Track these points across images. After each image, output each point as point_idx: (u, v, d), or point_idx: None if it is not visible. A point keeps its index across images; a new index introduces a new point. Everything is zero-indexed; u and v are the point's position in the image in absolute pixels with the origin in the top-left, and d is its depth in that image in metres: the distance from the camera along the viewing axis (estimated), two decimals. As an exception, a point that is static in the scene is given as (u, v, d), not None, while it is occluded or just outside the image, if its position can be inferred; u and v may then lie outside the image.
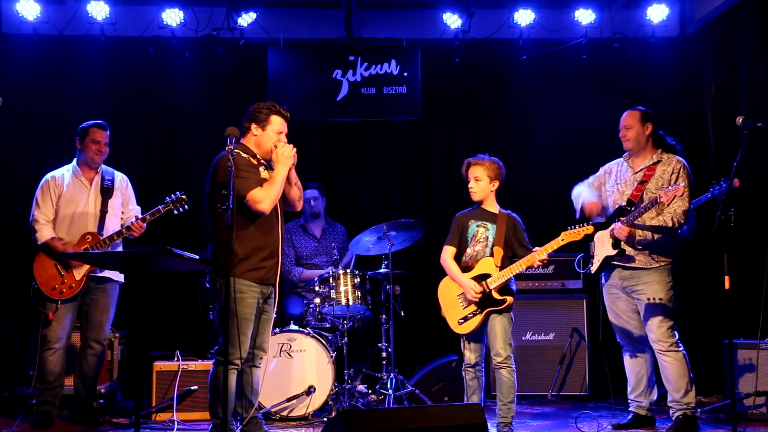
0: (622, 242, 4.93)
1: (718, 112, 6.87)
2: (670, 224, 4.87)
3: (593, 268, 5.14)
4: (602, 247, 5.05)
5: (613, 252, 4.96)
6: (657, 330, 4.95)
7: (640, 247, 4.97)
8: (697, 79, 7.17)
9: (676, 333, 4.98)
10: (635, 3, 7.16)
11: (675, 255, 5.06)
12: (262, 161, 4.57)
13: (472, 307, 4.91)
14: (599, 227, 5.03)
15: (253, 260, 4.43)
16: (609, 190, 5.22)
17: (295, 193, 4.66)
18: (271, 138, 4.54)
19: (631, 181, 5.09)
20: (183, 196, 5.37)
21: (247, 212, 4.40)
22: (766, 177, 6.23)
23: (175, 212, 5.40)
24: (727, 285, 4.34)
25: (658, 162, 5.05)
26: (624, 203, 5.01)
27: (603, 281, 5.25)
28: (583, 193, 5.24)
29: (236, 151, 4.40)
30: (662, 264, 4.99)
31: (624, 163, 5.21)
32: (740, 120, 4.61)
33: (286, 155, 4.45)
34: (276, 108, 4.58)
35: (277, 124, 4.56)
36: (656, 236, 4.94)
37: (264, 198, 4.37)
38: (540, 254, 4.78)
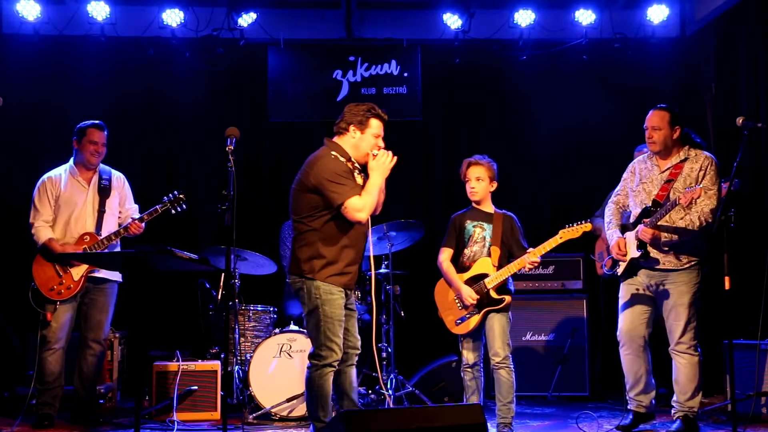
0: (647, 245, 4.83)
1: (718, 112, 6.87)
2: (698, 224, 4.74)
3: (620, 270, 5.03)
4: (628, 249, 4.94)
5: (637, 254, 4.86)
6: (679, 331, 4.86)
7: (666, 249, 4.84)
8: (697, 80, 7.17)
9: (696, 337, 4.89)
10: (635, 3, 7.16)
11: (704, 253, 4.93)
12: (356, 166, 4.45)
13: (470, 308, 4.92)
14: (627, 228, 4.99)
15: (338, 265, 4.32)
16: (634, 190, 5.05)
17: (380, 198, 4.51)
18: (369, 142, 4.38)
19: (658, 181, 4.94)
20: (181, 196, 5.35)
21: (339, 216, 4.29)
22: (766, 177, 6.22)
23: (173, 212, 5.37)
24: (727, 285, 4.32)
25: (686, 159, 4.90)
26: (650, 204, 4.89)
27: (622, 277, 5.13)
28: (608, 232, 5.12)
29: (334, 153, 4.34)
30: (692, 264, 4.88)
31: (649, 161, 5.05)
32: (740, 120, 4.58)
33: (385, 164, 4.34)
34: (375, 110, 4.40)
35: (375, 127, 4.39)
36: (683, 237, 4.80)
37: (362, 207, 4.23)
38: (530, 256, 4.77)
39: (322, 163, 4.30)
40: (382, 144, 4.41)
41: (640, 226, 4.84)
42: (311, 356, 4.31)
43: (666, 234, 4.81)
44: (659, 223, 4.78)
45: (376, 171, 4.32)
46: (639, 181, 5.06)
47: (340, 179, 4.25)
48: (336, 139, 4.44)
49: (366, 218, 4.28)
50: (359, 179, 4.41)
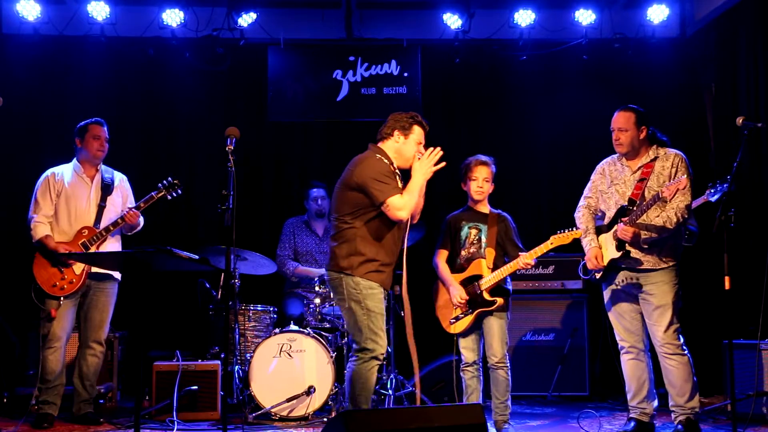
0: (627, 244, 4.76)
1: (718, 112, 6.87)
2: (675, 220, 4.68)
3: (598, 274, 4.96)
4: (606, 250, 4.88)
5: (618, 254, 4.80)
6: (662, 333, 4.77)
7: (646, 247, 4.78)
8: (697, 80, 7.17)
9: (681, 336, 4.82)
10: (635, 3, 7.16)
11: (680, 254, 4.89)
12: (397, 171, 4.53)
13: (463, 308, 4.99)
14: (601, 230, 4.95)
15: (375, 263, 4.38)
16: (606, 192, 5.00)
17: (419, 204, 4.60)
18: (411, 147, 4.51)
19: (631, 181, 4.89)
20: (175, 181, 5.43)
21: (380, 216, 4.38)
22: (766, 177, 6.22)
23: (169, 197, 5.44)
24: (727, 285, 4.31)
25: (656, 158, 4.86)
26: (625, 203, 4.84)
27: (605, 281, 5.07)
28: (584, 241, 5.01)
29: (378, 155, 4.45)
30: (670, 264, 4.82)
31: (618, 162, 5.00)
32: (740, 120, 4.57)
33: (427, 166, 4.43)
34: (418, 118, 4.56)
35: (417, 134, 4.53)
36: (662, 234, 4.74)
37: (404, 206, 4.33)
38: (524, 259, 4.84)
39: (367, 163, 4.43)
40: (423, 151, 4.50)
41: (619, 225, 4.78)
42: (357, 351, 4.35)
43: (645, 232, 4.76)
44: (638, 221, 4.73)
45: (419, 172, 4.44)
46: (610, 182, 5.00)
47: (384, 178, 4.37)
48: (379, 144, 4.56)
49: (406, 217, 4.39)
50: (399, 184, 4.49)
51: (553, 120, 7.31)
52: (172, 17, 6.86)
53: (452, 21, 6.98)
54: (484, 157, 5.07)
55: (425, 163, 4.43)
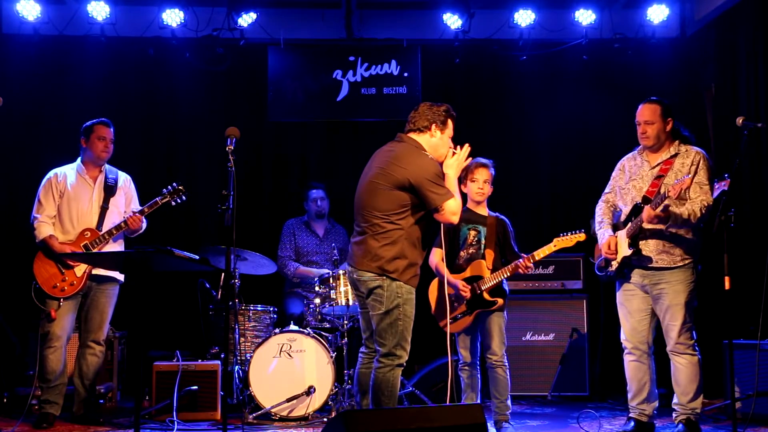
0: (643, 237, 4.73)
1: (718, 112, 6.87)
2: (698, 215, 4.62)
3: (611, 267, 4.95)
4: (620, 248, 4.86)
5: (629, 252, 4.78)
6: (676, 331, 4.75)
7: (668, 234, 4.73)
8: (697, 80, 7.16)
9: (694, 335, 4.80)
10: (635, 3, 7.17)
11: (699, 252, 4.84)
12: None
13: (462, 308, 5.00)
14: (617, 227, 4.93)
15: (416, 267, 4.30)
16: (623, 188, 4.97)
17: None
18: (446, 143, 4.36)
19: (649, 177, 4.85)
20: (180, 187, 5.40)
21: (425, 218, 4.26)
22: (766, 177, 6.22)
23: (173, 203, 5.42)
24: (727, 285, 4.31)
25: (676, 155, 4.82)
26: (640, 200, 4.79)
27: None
28: (599, 233, 5.02)
29: (426, 153, 4.28)
30: (686, 262, 4.78)
31: (639, 157, 4.97)
32: (740, 120, 4.56)
33: (461, 161, 4.34)
34: (451, 112, 4.39)
35: (450, 128, 4.38)
36: (679, 231, 4.71)
37: (458, 209, 4.23)
38: (526, 261, 4.87)
39: (419, 162, 4.21)
40: (452, 144, 4.40)
41: (643, 213, 4.66)
42: (383, 356, 4.23)
43: (665, 227, 4.71)
44: (670, 208, 4.61)
45: (452, 168, 4.33)
46: (628, 178, 4.98)
47: (440, 180, 4.22)
48: (413, 135, 4.36)
49: (457, 221, 4.28)
50: None
51: (553, 120, 7.31)
52: (172, 17, 6.86)
53: (452, 21, 6.98)
54: (483, 160, 5.07)
55: (460, 158, 4.33)
